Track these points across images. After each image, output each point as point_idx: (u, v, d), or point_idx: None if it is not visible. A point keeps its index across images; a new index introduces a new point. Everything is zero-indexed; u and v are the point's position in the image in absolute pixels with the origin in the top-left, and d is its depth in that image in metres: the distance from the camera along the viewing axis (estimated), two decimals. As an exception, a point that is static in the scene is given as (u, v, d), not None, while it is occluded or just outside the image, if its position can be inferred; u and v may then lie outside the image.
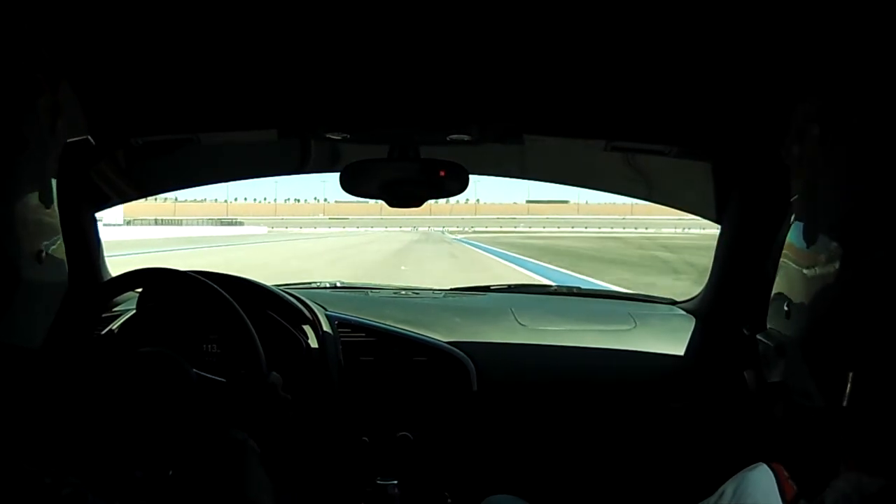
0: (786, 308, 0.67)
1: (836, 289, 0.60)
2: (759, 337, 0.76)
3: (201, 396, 1.06)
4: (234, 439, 0.94)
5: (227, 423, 0.98)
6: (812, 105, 0.71)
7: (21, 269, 0.63)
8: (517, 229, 50.94)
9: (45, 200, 0.67)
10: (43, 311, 0.69)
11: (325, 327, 1.54)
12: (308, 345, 1.49)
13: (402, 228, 52.96)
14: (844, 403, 0.58)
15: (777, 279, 0.72)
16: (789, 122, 0.74)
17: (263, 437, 0.99)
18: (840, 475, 0.62)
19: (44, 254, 0.66)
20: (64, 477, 0.60)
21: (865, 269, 0.58)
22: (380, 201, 1.47)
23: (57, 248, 0.68)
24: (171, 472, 1.00)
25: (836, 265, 0.60)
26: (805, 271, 0.65)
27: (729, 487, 0.90)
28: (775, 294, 0.73)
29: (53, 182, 0.68)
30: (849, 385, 0.58)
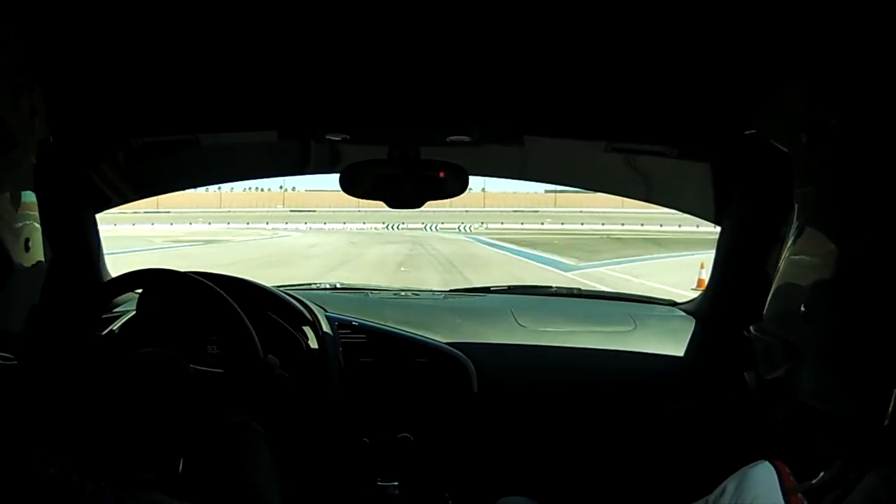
0: (803, 308, 0.66)
1: (863, 286, 0.59)
2: (756, 334, 0.75)
3: (200, 389, 1.07)
4: (236, 423, 0.95)
5: (228, 410, 0.99)
6: (816, 90, 0.70)
7: (9, 259, 0.65)
8: (543, 226, 38.74)
9: (28, 194, 0.70)
10: (26, 299, 0.71)
11: (325, 328, 1.54)
12: (308, 346, 1.49)
13: (376, 227, 37.54)
14: (890, 408, 0.57)
15: (785, 276, 0.71)
16: (786, 105, 0.73)
17: (266, 417, 1.00)
18: (870, 471, 0.61)
19: (30, 243, 0.68)
20: (50, 457, 0.60)
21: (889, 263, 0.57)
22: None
23: (37, 239, 0.71)
24: (181, 467, 1.01)
25: (861, 261, 0.59)
26: (824, 269, 0.64)
27: (730, 484, 0.90)
28: (782, 292, 0.71)
29: (31, 177, 0.70)
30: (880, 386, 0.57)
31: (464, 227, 37.23)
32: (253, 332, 1.13)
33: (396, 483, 1.57)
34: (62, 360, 1.12)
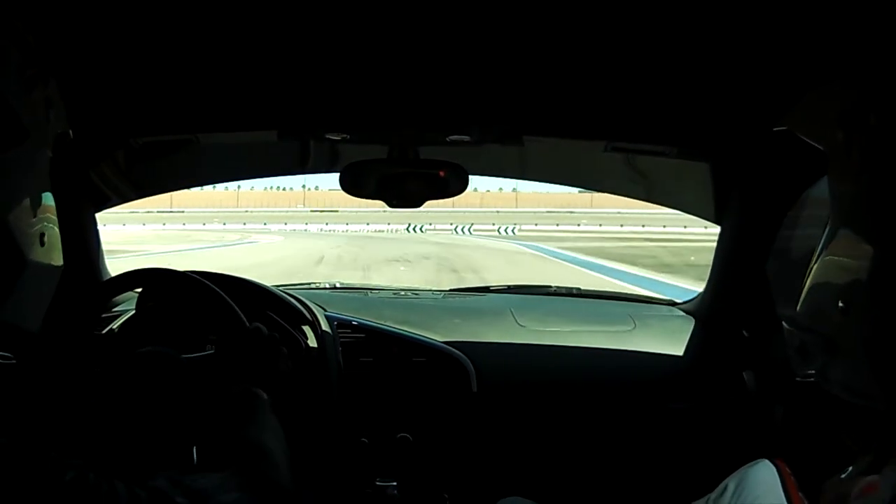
0: (841, 304, 0.65)
1: None
2: (789, 328, 0.75)
3: (196, 375, 1.09)
4: (238, 392, 0.96)
5: (227, 383, 1.00)
6: (844, 89, 0.70)
7: (24, 253, 0.64)
8: (580, 228, 32.60)
9: (43, 187, 0.69)
10: (43, 295, 0.71)
11: (325, 327, 1.54)
12: (307, 345, 1.48)
13: (395, 230, 31.25)
14: None
15: (820, 272, 0.71)
16: (816, 103, 0.72)
17: (266, 382, 1.01)
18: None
19: (45, 237, 0.68)
20: (66, 461, 0.59)
21: None
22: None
23: (54, 233, 0.71)
24: (195, 458, 1.01)
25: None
26: (862, 264, 0.64)
27: (731, 483, 0.90)
28: (818, 288, 0.71)
29: (47, 170, 0.70)
30: None
31: (505, 230, 29.58)
32: (235, 306, 1.16)
33: (395, 483, 1.57)
34: (62, 359, 1.12)
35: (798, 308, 0.75)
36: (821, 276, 0.71)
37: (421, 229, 29.93)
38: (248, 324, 1.13)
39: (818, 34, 0.92)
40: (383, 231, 30.46)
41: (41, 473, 0.57)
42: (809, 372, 0.75)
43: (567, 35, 1.06)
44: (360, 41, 1.09)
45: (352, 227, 32.22)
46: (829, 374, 0.70)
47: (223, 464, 0.77)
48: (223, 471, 0.74)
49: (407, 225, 30.99)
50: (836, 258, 0.69)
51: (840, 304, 0.66)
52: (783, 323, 0.79)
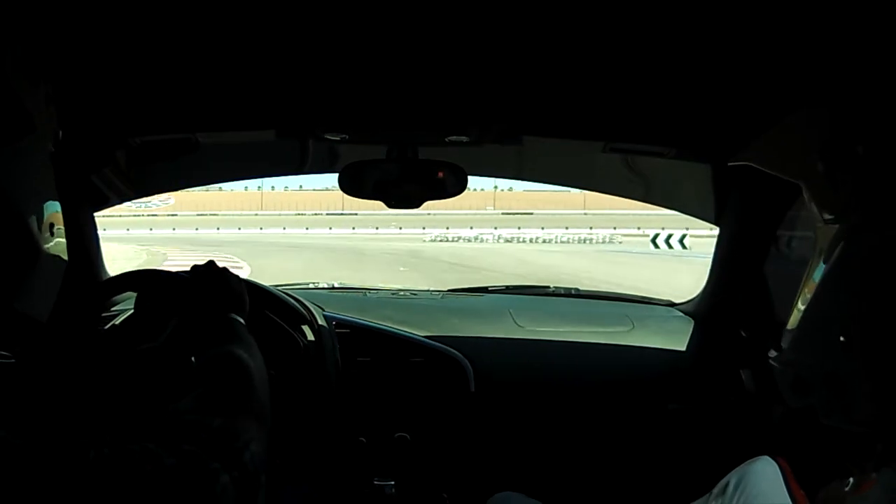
0: (842, 339, 0.65)
1: None
2: (779, 363, 0.74)
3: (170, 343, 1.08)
4: (218, 317, 0.96)
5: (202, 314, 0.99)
6: (823, 117, 0.69)
7: (35, 243, 0.65)
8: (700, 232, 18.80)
9: (48, 178, 0.70)
10: (52, 285, 0.71)
11: (322, 326, 1.54)
12: (305, 345, 1.49)
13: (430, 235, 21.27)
14: None
15: (816, 306, 0.70)
16: (793, 134, 0.72)
17: (230, 303, 1.00)
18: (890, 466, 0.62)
19: (54, 228, 0.69)
20: (87, 439, 0.58)
21: None
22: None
23: (59, 224, 0.72)
24: None
25: None
26: (862, 298, 0.63)
27: (732, 479, 0.91)
28: (814, 322, 0.71)
29: (50, 163, 0.72)
30: None
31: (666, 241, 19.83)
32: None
33: (393, 483, 1.57)
34: (60, 357, 1.12)
35: (796, 343, 0.74)
36: (816, 310, 0.71)
37: (667, 242, 19.14)
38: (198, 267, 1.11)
39: (819, 36, 0.92)
40: (550, 242, 18.32)
41: (64, 455, 0.56)
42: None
43: (566, 36, 1.06)
44: (359, 41, 1.09)
45: (477, 232, 20.16)
46: (833, 408, 0.70)
47: (198, 381, 0.76)
48: (197, 389, 0.73)
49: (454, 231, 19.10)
50: (830, 292, 0.69)
51: (841, 339, 0.65)
52: (778, 360, 0.79)
